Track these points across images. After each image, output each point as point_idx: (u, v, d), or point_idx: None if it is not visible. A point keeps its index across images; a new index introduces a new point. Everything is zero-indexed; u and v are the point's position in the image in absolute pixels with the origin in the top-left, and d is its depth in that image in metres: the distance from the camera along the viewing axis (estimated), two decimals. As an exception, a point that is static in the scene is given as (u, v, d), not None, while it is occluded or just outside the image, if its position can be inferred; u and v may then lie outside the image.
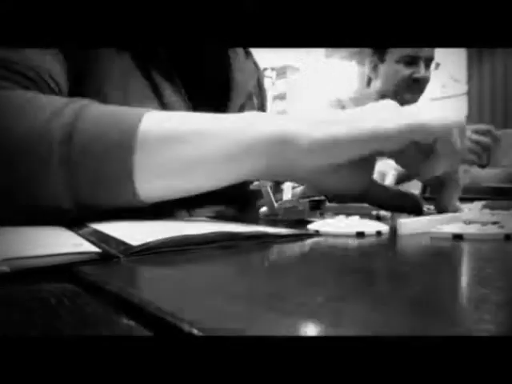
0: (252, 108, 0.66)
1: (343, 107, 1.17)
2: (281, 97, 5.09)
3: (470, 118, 3.76)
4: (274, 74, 5.13)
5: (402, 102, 1.18)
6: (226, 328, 0.12)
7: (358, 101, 1.23)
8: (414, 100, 1.13)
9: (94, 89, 0.47)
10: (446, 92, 4.02)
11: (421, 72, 1.09)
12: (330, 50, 4.55)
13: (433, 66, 1.15)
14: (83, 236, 0.28)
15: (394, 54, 1.15)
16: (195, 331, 0.12)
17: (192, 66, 0.57)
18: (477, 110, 3.73)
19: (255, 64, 0.72)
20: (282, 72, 5.08)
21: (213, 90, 0.59)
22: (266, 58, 4.84)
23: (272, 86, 5.14)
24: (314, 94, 4.83)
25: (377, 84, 1.20)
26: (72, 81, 0.47)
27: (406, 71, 1.11)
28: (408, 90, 1.12)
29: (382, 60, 1.18)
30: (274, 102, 5.08)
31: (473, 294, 0.16)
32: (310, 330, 0.12)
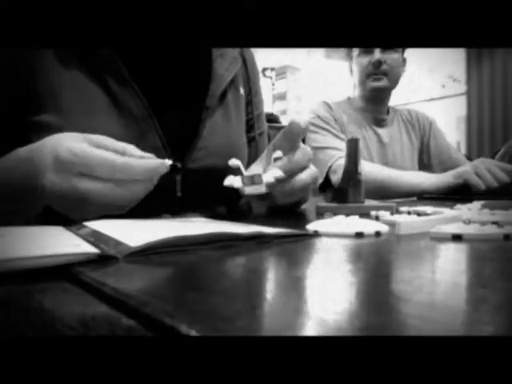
0: (237, 95, 0.65)
1: (330, 111, 1.20)
2: (281, 97, 5.09)
3: (470, 118, 3.77)
4: (273, 74, 5.13)
5: (370, 91, 1.17)
6: (224, 329, 0.12)
7: (345, 104, 1.25)
8: (379, 86, 1.18)
9: (54, 109, 0.49)
10: (445, 92, 4.02)
11: (374, 56, 1.16)
12: (329, 50, 4.56)
13: (397, 52, 1.18)
14: (82, 236, 0.28)
15: (356, 50, 1.21)
16: (193, 332, 0.12)
17: (156, 65, 0.56)
18: (476, 109, 3.73)
19: (241, 50, 0.69)
20: (281, 72, 5.08)
21: (186, 84, 0.58)
22: (266, 58, 4.85)
23: (272, 86, 5.14)
24: (313, 94, 4.83)
25: (355, 84, 1.24)
26: (24, 98, 0.49)
27: (365, 60, 1.18)
28: (370, 77, 1.18)
29: (351, 60, 1.22)
30: (274, 102, 5.08)
31: (472, 295, 0.16)
32: (310, 330, 0.12)
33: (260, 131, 0.73)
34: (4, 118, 0.51)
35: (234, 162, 0.43)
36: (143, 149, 0.43)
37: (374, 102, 1.22)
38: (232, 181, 0.42)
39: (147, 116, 0.52)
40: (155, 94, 0.54)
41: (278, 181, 0.43)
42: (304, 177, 0.47)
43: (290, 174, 0.45)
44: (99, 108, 0.50)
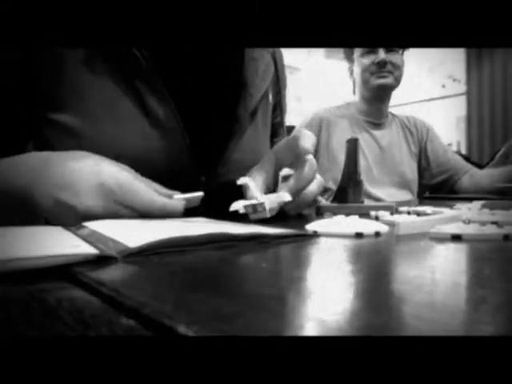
0: (266, 106, 0.62)
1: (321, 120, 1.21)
2: (280, 97, 5.08)
3: (470, 118, 3.77)
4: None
5: (374, 89, 1.18)
6: (223, 329, 0.12)
7: (344, 109, 1.26)
8: (383, 84, 1.19)
9: (75, 110, 0.48)
10: (445, 92, 4.02)
11: (380, 56, 1.17)
12: (329, 50, 4.56)
13: (399, 53, 1.21)
14: (81, 237, 0.28)
15: (358, 50, 1.22)
16: (191, 333, 0.12)
17: (187, 75, 0.53)
18: (476, 109, 3.73)
19: (274, 52, 0.65)
20: (281, 72, 5.07)
21: (217, 95, 0.55)
22: (265, 57, 4.84)
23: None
24: (313, 94, 4.83)
25: (356, 85, 1.24)
26: (46, 95, 0.48)
27: (368, 60, 1.19)
28: (373, 75, 1.19)
29: (351, 60, 1.23)
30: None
31: (471, 295, 0.16)
32: (310, 330, 0.12)
33: (281, 138, 0.71)
34: (20, 111, 0.49)
35: (243, 180, 0.44)
36: (170, 161, 0.42)
37: (376, 102, 1.22)
38: (237, 207, 0.42)
39: (176, 127, 0.49)
40: (185, 104, 0.51)
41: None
42: (313, 189, 0.46)
43: (301, 190, 0.45)
44: (126, 116, 0.48)
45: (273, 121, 0.68)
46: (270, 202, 0.41)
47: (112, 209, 0.36)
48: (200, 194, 0.42)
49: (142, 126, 0.48)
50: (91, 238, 0.27)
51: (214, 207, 0.53)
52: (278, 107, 0.69)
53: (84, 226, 0.32)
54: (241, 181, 0.44)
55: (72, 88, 0.48)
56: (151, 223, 0.35)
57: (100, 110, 0.47)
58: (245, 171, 0.53)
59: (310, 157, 0.46)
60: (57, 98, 0.48)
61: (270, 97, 0.64)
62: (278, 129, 0.70)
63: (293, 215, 0.48)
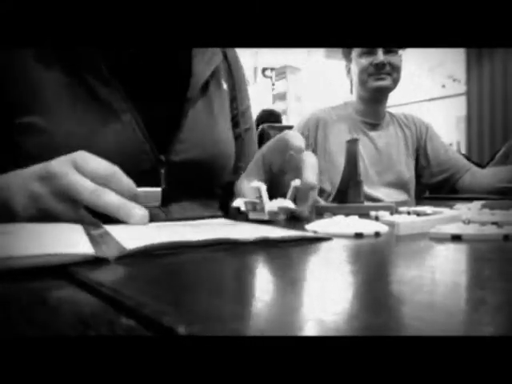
0: (219, 89, 0.65)
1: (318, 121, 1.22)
2: (281, 97, 5.09)
3: (470, 118, 3.77)
4: (273, 73, 5.13)
5: (372, 90, 1.18)
6: (222, 329, 0.12)
7: (341, 109, 1.26)
8: (381, 86, 1.19)
9: (37, 110, 0.49)
10: (445, 92, 4.02)
11: (378, 58, 1.17)
12: (329, 50, 4.56)
13: (398, 53, 1.21)
14: (92, 236, 0.28)
15: (356, 50, 1.21)
16: (191, 333, 0.12)
17: (138, 65, 0.56)
18: (476, 109, 3.73)
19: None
20: (281, 72, 5.08)
21: (168, 78, 0.59)
22: (266, 58, 4.85)
23: (272, 86, 5.14)
24: (313, 94, 4.83)
25: (353, 85, 1.24)
26: (7, 100, 0.50)
27: (366, 60, 1.19)
28: (371, 77, 1.19)
29: (349, 60, 1.23)
30: (274, 102, 5.08)
31: (471, 295, 0.16)
32: (309, 330, 0.12)
33: (246, 127, 0.73)
34: None
35: (256, 183, 0.44)
36: (126, 144, 0.43)
37: (373, 103, 1.22)
38: (239, 204, 0.43)
39: (128, 111, 0.52)
40: (136, 89, 0.54)
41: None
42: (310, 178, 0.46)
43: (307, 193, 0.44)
44: (81, 107, 0.51)
45: (232, 112, 0.70)
46: (270, 205, 0.41)
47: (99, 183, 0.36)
48: (158, 189, 0.42)
49: (96, 113, 0.51)
50: (100, 238, 0.28)
51: (177, 184, 0.55)
52: (235, 101, 0.71)
53: (101, 227, 0.32)
54: (254, 184, 0.44)
55: (29, 87, 0.50)
56: (164, 227, 0.35)
57: (57, 105, 0.50)
58: (201, 148, 0.57)
59: (308, 154, 0.45)
60: (17, 100, 0.50)
61: (225, 85, 0.67)
62: (237, 121, 0.72)
63: (306, 216, 0.48)
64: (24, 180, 0.38)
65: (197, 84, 0.59)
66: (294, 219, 0.47)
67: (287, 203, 0.41)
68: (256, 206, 0.42)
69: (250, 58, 4.73)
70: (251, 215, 0.43)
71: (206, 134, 0.59)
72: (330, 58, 4.67)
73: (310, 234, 0.31)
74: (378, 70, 1.16)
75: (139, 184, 0.40)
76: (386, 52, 1.17)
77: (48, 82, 0.50)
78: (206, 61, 0.62)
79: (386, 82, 1.17)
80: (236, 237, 0.27)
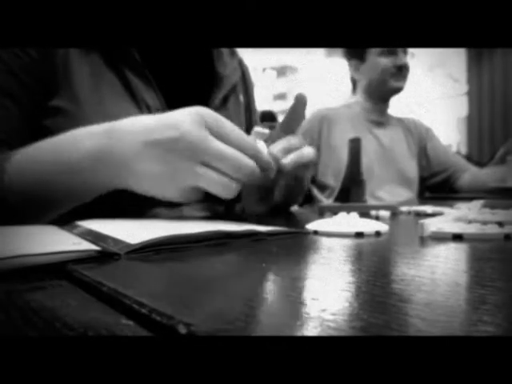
0: (237, 102, 0.67)
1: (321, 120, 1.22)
2: (281, 97, 5.09)
3: (470, 118, 3.76)
4: (274, 74, 5.13)
5: (390, 90, 1.20)
6: (222, 329, 0.12)
7: (344, 109, 1.26)
8: (400, 87, 1.22)
9: (68, 94, 0.49)
10: (445, 92, 4.02)
11: (402, 60, 1.19)
12: (329, 50, 4.55)
13: (409, 56, 1.24)
14: (79, 235, 0.28)
15: (376, 50, 1.23)
16: (191, 333, 0.12)
17: (169, 64, 0.58)
18: (476, 109, 3.73)
19: (240, 62, 0.73)
20: (281, 72, 5.08)
21: (194, 84, 0.60)
22: (266, 58, 4.84)
23: (272, 86, 5.14)
24: (313, 94, 4.82)
25: (362, 83, 1.24)
26: (43, 92, 0.49)
27: (389, 61, 1.20)
28: (393, 78, 1.21)
29: (362, 59, 1.24)
30: (274, 102, 5.08)
31: (472, 295, 0.16)
32: (309, 330, 0.12)
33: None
34: (27, 105, 0.50)
35: (259, 129, 0.44)
36: None
37: (382, 102, 1.24)
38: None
39: (161, 108, 0.52)
40: (167, 88, 0.55)
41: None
42: (308, 151, 0.46)
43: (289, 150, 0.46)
44: (113, 96, 0.50)
45: (245, 123, 0.72)
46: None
47: (213, 141, 0.35)
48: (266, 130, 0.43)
49: (129, 106, 0.51)
50: (89, 236, 0.27)
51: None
52: (248, 112, 0.74)
53: (79, 225, 0.32)
54: (257, 128, 0.44)
55: (63, 71, 0.50)
56: (146, 222, 0.35)
57: (89, 91, 0.50)
58: None
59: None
60: (50, 83, 0.50)
61: (241, 97, 0.69)
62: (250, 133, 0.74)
63: (279, 201, 0.49)
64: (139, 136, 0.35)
65: (219, 94, 0.60)
66: (294, 218, 0.47)
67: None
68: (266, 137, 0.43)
69: (250, 58, 4.74)
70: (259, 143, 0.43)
71: None
72: (330, 57, 4.67)
73: (296, 229, 0.33)
74: (400, 71, 1.19)
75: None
76: (405, 54, 1.20)
77: (81, 68, 0.50)
78: (227, 74, 0.63)
79: (403, 84, 1.22)
80: (228, 229, 0.29)
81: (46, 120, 0.50)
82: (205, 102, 0.59)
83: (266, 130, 0.45)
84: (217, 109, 0.60)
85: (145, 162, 0.36)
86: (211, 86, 0.61)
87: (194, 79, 0.60)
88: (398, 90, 1.21)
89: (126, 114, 0.49)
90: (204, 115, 0.36)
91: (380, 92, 1.22)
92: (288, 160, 0.44)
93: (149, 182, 0.37)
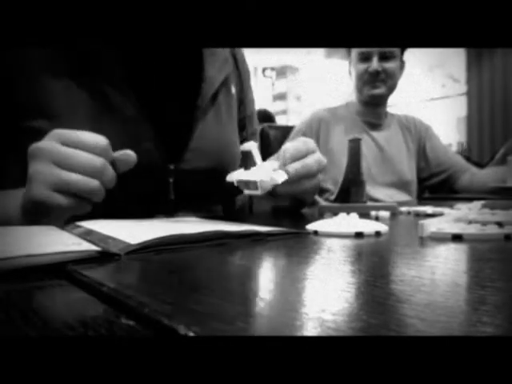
0: (228, 94, 0.65)
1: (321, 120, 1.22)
2: (281, 97, 5.10)
3: (470, 118, 3.76)
4: (273, 73, 5.13)
5: (368, 97, 1.18)
6: (222, 329, 0.12)
7: (342, 109, 1.26)
8: (376, 94, 1.19)
9: (44, 114, 0.48)
10: (445, 92, 4.02)
11: (372, 66, 1.17)
12: (329, 50, 4.56)
13: (394, 60, 1.20)
14: (79, 236, 0.28)
15: (354, 56, 1.21)
16: (191, 333, 0.12)
17: (155, 68, 0.56)
18: (476, 109, 3.73)
19: (232, 50, 0.69)
20: (281, 72, 5.08)
21: (180, 88, 0.58)
22: (266, 58, 4.85)
23: (272, 86, 5.14)
24: (313, 94, 4.83)
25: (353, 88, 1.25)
26: (15, 104, 0.49)
27: (362, 67, 1.18)
28: (365, 85, 1.19)
29: (350, 64, 1.23)
30: (274, 102, 5.08)
31: (472, 295, 0.16)
32: (309, 330, 0.12)
33: (251, 131, 0.73)
34: None
35: (247, 146, 0.44)
36: (136, 151, 0.43)
37: (372, 106, 1.23)
38: (232, 178, 0.42)
39: (140, 119, 0.51)
40: (147, 96, 0.54)
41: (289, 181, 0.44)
42: (309, 161, 0.47)
43: (300, 177, 0.46)
44: (90, 113, 0.50)
45: (238, 116, 0.70)
46: (263, 181, 0.40)
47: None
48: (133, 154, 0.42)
49: (106, 120, 0.50)
50: (88, 237, 0.28)
51: (185, 193, 0.55)
52: (243, 105, 0.71)
53: (79, 226, 0.32)
54: (244, 146, 0.44)
55: (38, 92, 0.49)
56: (146, 223, 0.35)
57: (64, 110, 0.49)
58: (210, 156, 0.56)
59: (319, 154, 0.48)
60: (26, 104, 0.49)
61: (233, 90, 0.67)
62: (244, 124, 0.72)
63: (286, 204, 0.49)
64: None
65: (208, 92, 0.59)
66: (294, 218, 0.47)
67: (281, 176, 0.41)
68: (249, 186, 0.41)
69: (250, 58, 4.74)
70: (246, 192, 0.42)
71: (215, 143, 0.59)
72: (329, 57, 4.67)
73: (295, 230, 0.33)
74: (373, 77, 1.17)
75: (147, 193, 0.40)
76: (382, 59, 1.17)
77: (59, 87, 0.49)
78: (217, 68, 0.61)
79: (380, 91, 1.18)
80: (228, 229, 0.29)
81: (23, 140, 0.49)
82: (190, 103, 0.57)
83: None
84: (206, 107, 0.58)
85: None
86: (198, 83, 0.59)
87: (176, 79, 0.58)
88: (374, 97, 1.19)
89: (105, 129, 0.48)
90: (57, 132, 0.39)
91: (361, 97, 1.22)
92: (291, 168, 0.45)
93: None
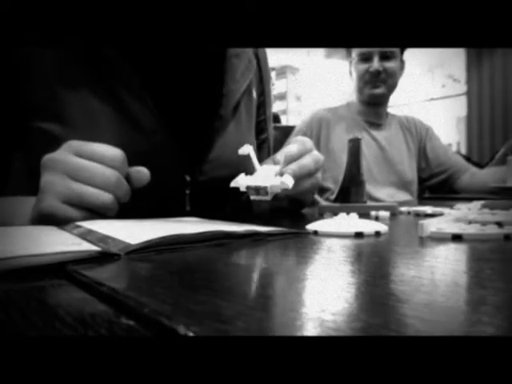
0: (250, 99, 0.62)
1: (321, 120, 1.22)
2: (281, 97, 5.10)
3: (470, 118, 3.77)
4: (273, 73, 5.13)
5: (369, 96, 1.19)
6: (222, 329, 0.12)
7: (343, 109, 1.26)
8: (377, 94, 1.20)
9: (58, 119, 0.47)
10: (445, 92, 4.02)
11: (373, 66, 1.17)
12: (329, 50, 4.56)
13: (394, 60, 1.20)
14: (79, 236, 0.28)
15: (355, 56, 1.22)
16: (191, 333, 0.12)
17: (169, 78, 0.53)
18: (476, 109, 3.73)
19: (256, 51, 0.66)
20: (281, 72, 5.08)
21: (201, 94, 0.56)
22: (265, 57, 4.84)
23: (272, 86, 5.14)
24: (313, 94, 4.83)
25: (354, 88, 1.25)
26: (26, 104, 0.48)
27: (363, 67, 1.19)
28: (366, 84, 1.20)
29: (350, 64, 1.23)
30: (274, 102, 5.08)
31: (472, 295, 0.16)
32: (309, 330, 0.12)
33: (267, 135, 0.71)
34: (4, 122, 0.49)
35: (245, 149, 0.43)
36: (154, 163, 0.42)
37: (373, 106, 1.23)
38: (238, 184, 0.41)
39: (157, 130, 0.49)
40: (166, 105, 0.51)
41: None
42: (306, 162, 0.47)
43: (298, 178, 0.46)
44: (106, 120, 0.48)
45: (257, 118, 0.68)
46: (273, 186, 0.40)
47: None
48: (145, 170, 0.41)
49: (123, 130, 0.48)
50: (89, 237, 0.28)
51: (201, 204, 0.54)
52: (262, 106, 0.70)
53: (79, 226, 0.32)
54: (242, 150, 0.43)
55: (51, 96, 0.47)
56: (147, 223, 0.35)
57: (80, 116, 0.47)
58: (228, 167, 0.54)
59: (316, 153, 0.48)
60: (37, 105, 0.48)
61: (254, 94, 0.65)
62: (263, 127, 0.71)
63: (286, 204, 0.49)
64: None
65: (230, 102, 0.56)
66: (294, 218, 0.47)
67: (288, 182, 0.41)
68: (259, 192, 0.41)
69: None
70: (253, 197, 0.42)
71: (234, 153, 0.57)
72: (329, 57, 4.67)
73: (295, 230, 0.33)
74: (374, 77, 1.18)
75: (163, 205, 0.39)
76: (382, 58, 1.17)
77: (74, 91, 0.47)
78: (241, 71, 0.59)
79: (381, 90, 1.19)
80: (228, 229, 0.29)
81: (32, 141, 0.48)
82: (211, 113, 0.55)
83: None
84: (228, 116, 0.56)
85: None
86: (220, 89, 0.56)
87: (197, 87, 0.56)
88: (375, 97, 1.19)
89: (120, 139, 0.47)
90: (72, 144, 0.38)
91: (361, 97, 1.22)
92: (288, 170, 0.45)
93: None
